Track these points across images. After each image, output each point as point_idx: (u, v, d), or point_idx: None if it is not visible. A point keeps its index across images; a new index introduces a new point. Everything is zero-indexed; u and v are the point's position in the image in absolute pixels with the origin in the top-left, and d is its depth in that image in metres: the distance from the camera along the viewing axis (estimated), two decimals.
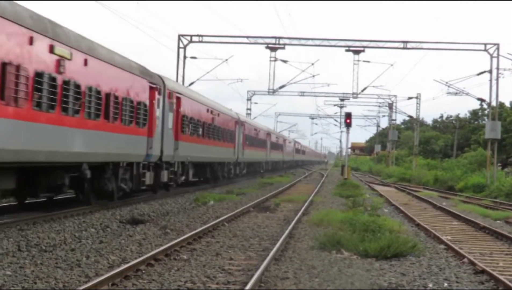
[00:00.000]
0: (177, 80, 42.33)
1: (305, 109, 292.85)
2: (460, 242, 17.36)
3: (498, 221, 24.03)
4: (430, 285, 11.48)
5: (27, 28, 15.32)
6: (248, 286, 10.07)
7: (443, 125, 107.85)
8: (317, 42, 46.95)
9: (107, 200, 21.93)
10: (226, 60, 49.48)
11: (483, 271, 12.68)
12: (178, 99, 29.00)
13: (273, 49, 48.43)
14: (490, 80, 44.96)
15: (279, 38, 46.80)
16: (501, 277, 11.83)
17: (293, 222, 19.57)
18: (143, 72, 24.32)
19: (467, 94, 51.48)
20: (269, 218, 21.73)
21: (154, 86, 25.00)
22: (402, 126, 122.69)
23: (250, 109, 73.98)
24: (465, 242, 17.67)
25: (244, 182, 47.02)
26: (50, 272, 10.85)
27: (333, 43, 46.77)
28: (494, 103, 46.12)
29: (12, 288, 9.62)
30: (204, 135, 34.85)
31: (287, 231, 17.11)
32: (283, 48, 47.39)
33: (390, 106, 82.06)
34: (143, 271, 11.38)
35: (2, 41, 14.31)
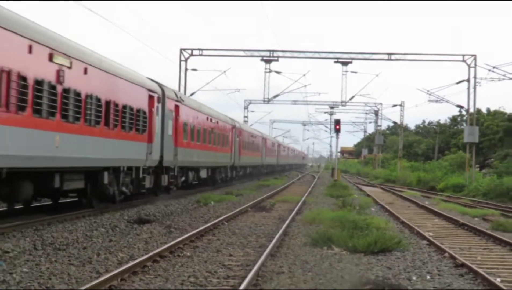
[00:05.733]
0: (179, 91, 42.15)
1: (297, 116, 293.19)
2: (441, 238, 17.40)
3: (476, 218, 24.07)
4: (414, 278, 11.52)
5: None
6: (247, 280, 10.10)
7: (425, 130, 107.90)
8: (309, 55, 47.07)
9: (109, 203, 21.31)
10: (225, 72, 49.53)
11: (462, 265, 12.72)
12: (177, 107, 28.20)
13: (268, 61, 48.44)
14: (468, 89, 45.08)
15: (273, 51, 46.89)
16: (479, 270, 11.89)
17: (288, 221, 19.58)
18: (142, 81, 23.37)
19: (447, 101, 51.70)
20: (265, 217, 21.74)
21: (153, 94, 24.14)
22: (388, 131, 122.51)
23: (247, 117, 74.06)
24: (446, 238, 17.71)
25: (241, 184, 46.95)
26: (63, 269, 10.86)
27: (323, 55, 46.93)
28: (472, 110, 46.24)
29: (28, 284, 9.63)
30: (202, 141, 34.07)
31: (282, 229, 17.12)
32: (277, 60, 47.49)
33: (376, 113, 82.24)
34: (150, 267, 11.40)
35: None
